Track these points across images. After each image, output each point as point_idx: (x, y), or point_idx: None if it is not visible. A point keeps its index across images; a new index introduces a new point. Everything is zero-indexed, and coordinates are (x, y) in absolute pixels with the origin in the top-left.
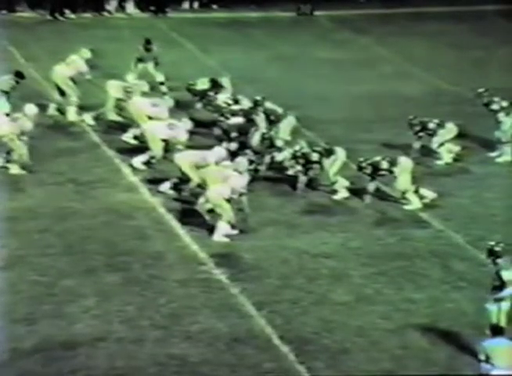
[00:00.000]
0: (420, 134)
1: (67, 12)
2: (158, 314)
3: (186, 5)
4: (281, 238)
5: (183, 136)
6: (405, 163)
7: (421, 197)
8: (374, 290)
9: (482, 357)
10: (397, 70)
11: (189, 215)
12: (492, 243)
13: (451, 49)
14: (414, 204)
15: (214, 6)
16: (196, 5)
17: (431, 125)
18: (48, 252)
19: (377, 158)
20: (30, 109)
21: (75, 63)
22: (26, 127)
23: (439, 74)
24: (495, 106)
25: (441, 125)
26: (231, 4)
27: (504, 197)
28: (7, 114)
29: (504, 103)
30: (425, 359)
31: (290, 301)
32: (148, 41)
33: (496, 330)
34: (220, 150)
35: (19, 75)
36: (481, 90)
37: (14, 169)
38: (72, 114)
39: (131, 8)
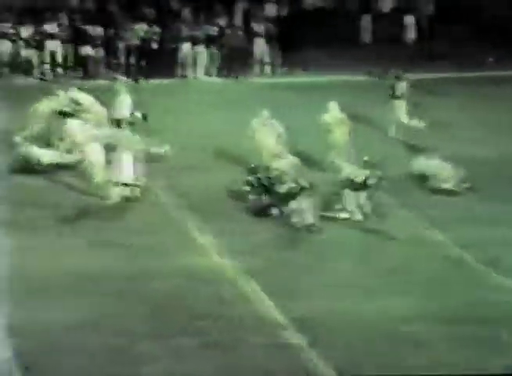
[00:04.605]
0: None
1: None
2: None
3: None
4: (359, 302)
5: None
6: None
7: None
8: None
9: None
10: (472, 135)
11: (268, 277)
12: None
13: None
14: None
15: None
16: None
17: None
18: (123, 315)
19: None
20: None
21: None
22: None
23: None
24: None
25: None
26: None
27: None
28: None
29: None
30: None
31: (374, 367)
32: None
33: None
34: None
35: None
36: None
37: None
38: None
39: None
